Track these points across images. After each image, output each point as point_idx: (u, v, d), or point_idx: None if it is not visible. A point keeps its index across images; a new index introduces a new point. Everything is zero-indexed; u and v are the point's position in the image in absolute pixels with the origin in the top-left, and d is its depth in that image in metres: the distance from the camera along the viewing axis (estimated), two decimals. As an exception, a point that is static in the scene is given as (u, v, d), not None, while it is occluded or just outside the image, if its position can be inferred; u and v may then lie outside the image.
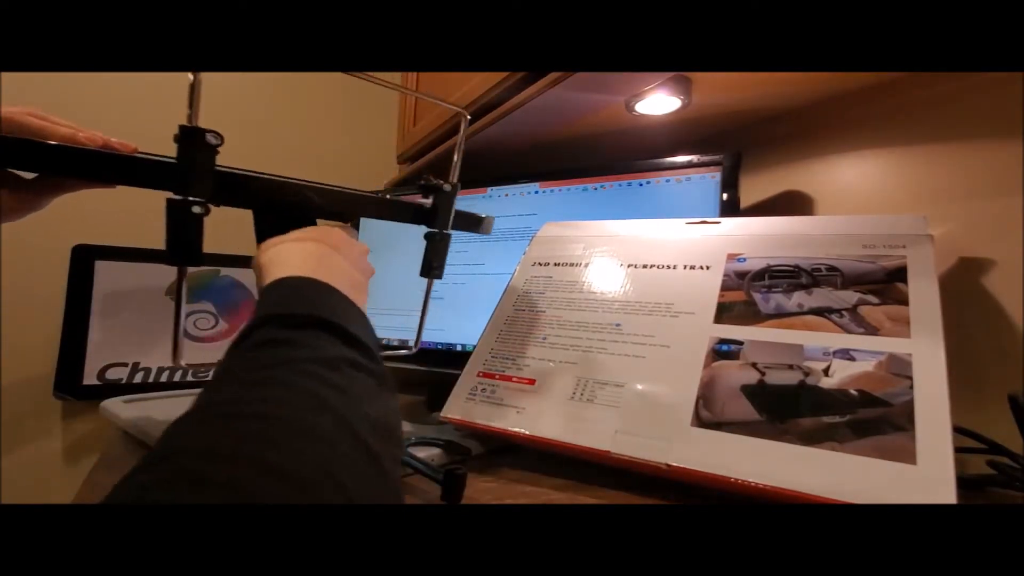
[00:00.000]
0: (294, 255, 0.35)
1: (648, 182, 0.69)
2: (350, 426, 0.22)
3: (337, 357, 0.26)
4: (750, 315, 0.45)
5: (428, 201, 0.49)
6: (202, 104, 0.38)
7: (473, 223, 0.54)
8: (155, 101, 0.89)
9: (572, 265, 0.57)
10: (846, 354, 0.40)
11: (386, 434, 0.24)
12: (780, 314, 0.44)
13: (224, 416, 0.21)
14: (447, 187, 0.48)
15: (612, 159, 0.80)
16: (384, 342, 0.83)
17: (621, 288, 0.52)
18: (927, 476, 0.32)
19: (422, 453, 0.46)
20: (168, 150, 0.39)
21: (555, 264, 0.58)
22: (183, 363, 0.40)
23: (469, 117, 0.52)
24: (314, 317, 0.28)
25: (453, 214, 0.49)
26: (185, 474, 0.18)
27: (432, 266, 0.50)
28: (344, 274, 0.35)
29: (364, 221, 0.85)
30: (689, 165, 0.66)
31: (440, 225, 0.49)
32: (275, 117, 1.03)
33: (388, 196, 0.51)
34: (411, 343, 0.52)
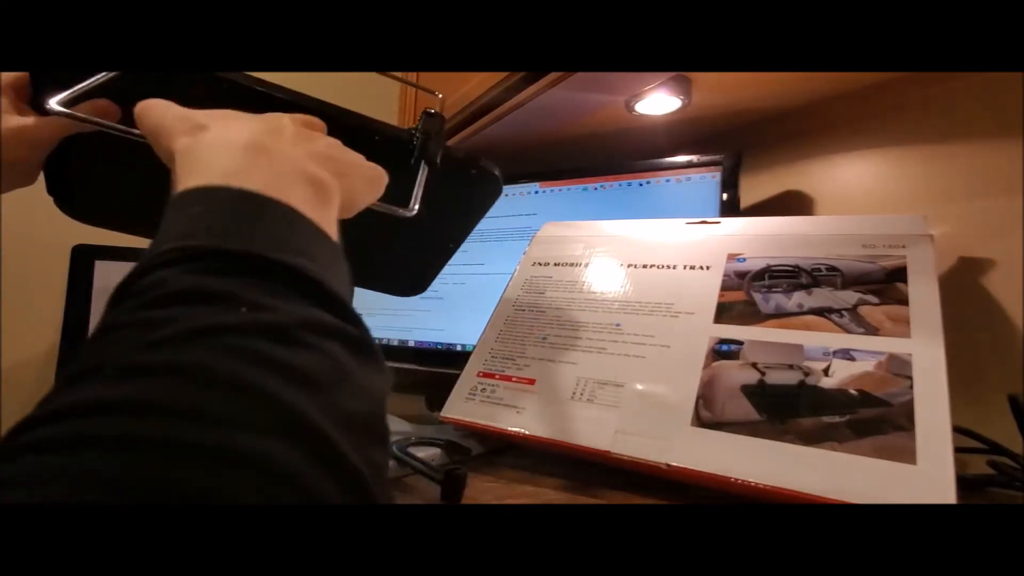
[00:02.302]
0: (225, 138, 0.22)
1: (648, 182, 0.69)
2: (313, 437, 0.15)
3: (293, 321, 0.16)
4: (750, 315, 0.45)
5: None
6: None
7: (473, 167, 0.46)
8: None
9: (572, 265, 0.57)
10: (846, 354, 0.40)
11: (366, 432, 0.17)
12: (780, 314, 0.44)
13: (92, 442, 0.13)
14: (432, 111, 0.43)
15: (612, 159, 0.80)
16: (383, 342, 0.82)
17: (621, 288, 0.52)
18: (927, 476, 0.32)
19: (422, 453, 0.46)
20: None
21: (555, 264, 0.58)
22: None
23: (440, 96, 0.51)
24: (255, 255, 0.17)
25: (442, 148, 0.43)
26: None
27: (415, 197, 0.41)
28: (299, 173, 0.22)
29: None
30: (689, 165, 0.66)
31: (431, 153, 0.42)
32: (275, 117, 1.03)
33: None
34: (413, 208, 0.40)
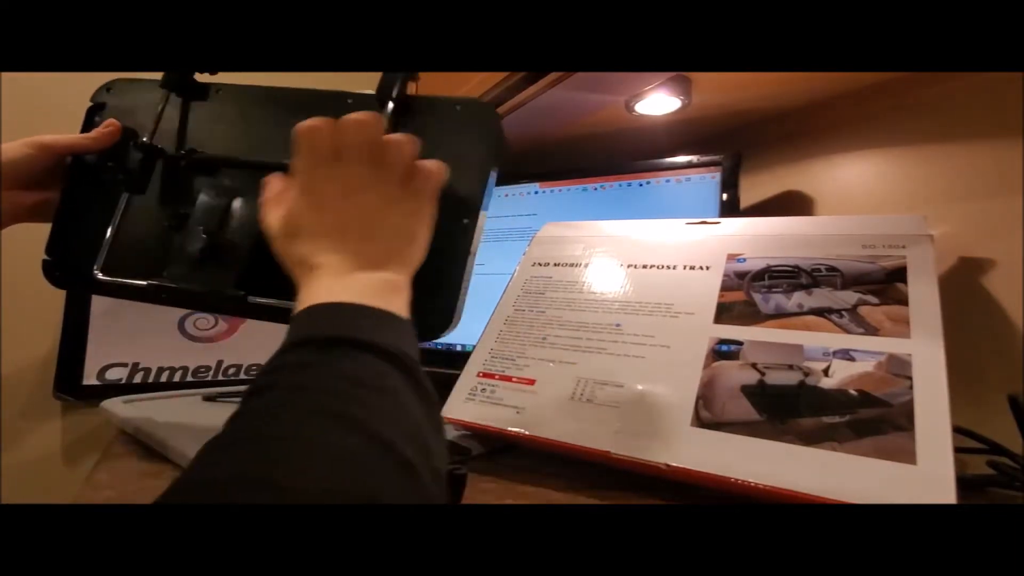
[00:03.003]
0: (325, 284, 0.33)
1: (648, 182, 0.69)
2: (389, 447, 0.22)
3: (367, 374, 0.25)
4: (750, 315, 0.45)
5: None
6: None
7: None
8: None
9: (572, 265, 0.57)
10: (846, 354, 0.40)
11: (422, 447, 0.23)
12: (780, 314, 0.44)
13: (250, 440, 0.21)
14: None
15: (612, 159, 0.80)
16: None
17: (621, 288, 0.52)
18: (927, 476, 0.32)
19: (422, 453, 0.46)
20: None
21: (555, 264, 0.58)
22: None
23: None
24: (338, 337, 0.27)
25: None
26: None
27: None
28: (371, 285, 0.32)
29: None
30: (689, 165, 0.66)
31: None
32: (275, 117, 1.03)
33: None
34: None
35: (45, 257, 0.46)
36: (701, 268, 0.50)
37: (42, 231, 0.46)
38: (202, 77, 0.48)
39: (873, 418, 0.36)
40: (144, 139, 0.44)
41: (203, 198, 0.43)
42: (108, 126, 0.45)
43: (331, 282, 0.32)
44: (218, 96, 0.48)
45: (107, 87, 0.48)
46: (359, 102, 0.44)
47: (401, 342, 0.28)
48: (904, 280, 0.42)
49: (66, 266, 0.45)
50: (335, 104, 0.44)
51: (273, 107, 0.47)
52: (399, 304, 0.32)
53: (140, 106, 0.46)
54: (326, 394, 0.23)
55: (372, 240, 0.34)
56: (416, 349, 0.29)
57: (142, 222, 0.45)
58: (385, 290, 0.32)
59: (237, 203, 0.42)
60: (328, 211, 0.34)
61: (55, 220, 0.46)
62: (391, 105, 0.42)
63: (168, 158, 0.45)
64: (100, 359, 0.86)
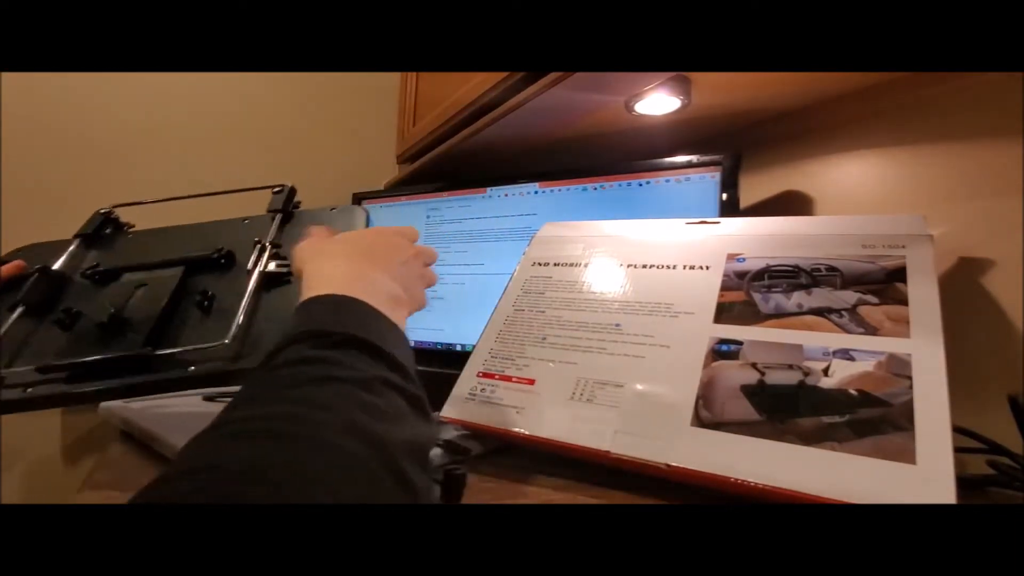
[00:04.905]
0: (334, 270, 0.35)
1: (648, 182, 0.69)
2: (382, 449, 0.22)
3: (372, 377, 0.26)
4: (750, 315, 0.45)
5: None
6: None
7: None
8: (155, 96, 0.89)
9: (572, 265, 0.57)
10: (846, 354, 0.40)
11: (418, 458, 0.24)
12: (780, 314, 0.44)
13: (251, 434, 0.21)
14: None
15: (612, 159, 0.80)
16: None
17: (621, 288, 0.52)
18: (927, 476, 0.32)
19: (422, 453, 0.46)
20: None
21: (555, 264, 0.58)
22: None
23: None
24: (349, 336, 0.27)
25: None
26: (203, 495, 0.18)
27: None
28: (383, 290, 0.34)
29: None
30: (689, 165, 0.66)
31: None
32: (274, 117, 1.03)
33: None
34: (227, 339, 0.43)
35: None
36: (701, 268, 0.50)
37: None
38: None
39: (873, 418, 0.36)
40: (49, 267, 0.51)
41: (109, 291, 0.49)
42: (14, 264, 0.52)
43: (339, 284, 0.33)
44: (127, 236, 0.57)
45: (18, 250, 0.58)
46: (255, 221, 0.55)
47: (401, 352, 0.30)
48: (904, 280, 0.42)
49: None
50: (233, 228, 0.55)
51: (178, 234, 0.56)
52: (400, 317, 0.35)
53: (54, 252, 0.55)
54: (332, 395, 0.24)
55: (378, 284, 0.36)
56: (411, 359, 0.31)
57: (37, 330, 0.49)
58: (393, 302, 0.34)
59: (139, 292, 0.49)
60: (362, 248, 0.39)
61: None
62: (279, 216, 0.55)
63: (68, 277, 0.52)
64: (100, 359, 0.86)
